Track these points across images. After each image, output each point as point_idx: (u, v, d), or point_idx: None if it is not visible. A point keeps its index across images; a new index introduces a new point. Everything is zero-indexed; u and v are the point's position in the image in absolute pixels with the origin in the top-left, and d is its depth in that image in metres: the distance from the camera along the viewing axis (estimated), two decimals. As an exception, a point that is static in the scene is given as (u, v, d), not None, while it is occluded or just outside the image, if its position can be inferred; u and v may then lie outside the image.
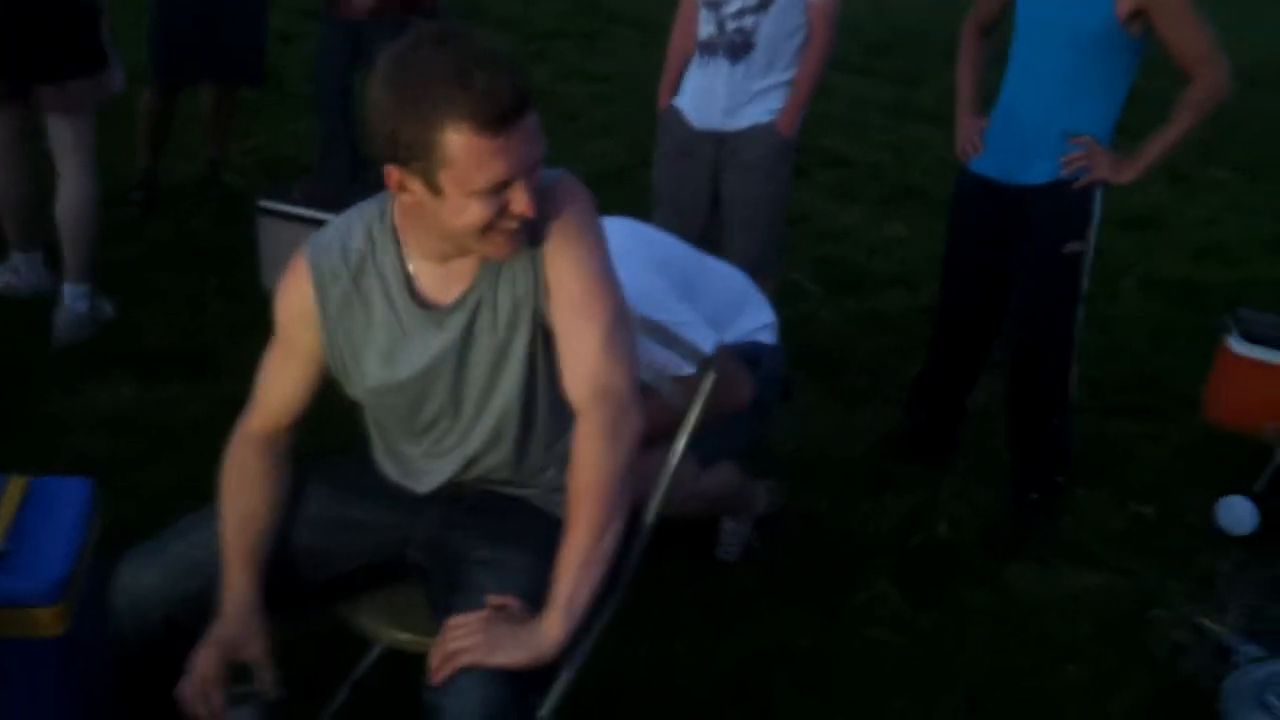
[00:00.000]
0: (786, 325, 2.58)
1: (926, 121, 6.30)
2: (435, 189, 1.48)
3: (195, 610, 1.61)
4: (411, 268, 1.62)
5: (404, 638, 1.71)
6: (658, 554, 1.84)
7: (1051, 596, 2.67)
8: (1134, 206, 4.88)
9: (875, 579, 2.65)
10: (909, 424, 3.20)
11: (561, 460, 1.71)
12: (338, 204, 3.57)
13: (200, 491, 1.77)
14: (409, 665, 1.79)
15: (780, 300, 3.02)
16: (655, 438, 1.73)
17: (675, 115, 3.29)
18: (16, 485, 1.92)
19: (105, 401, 3.05)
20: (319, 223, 3.44)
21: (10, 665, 1.74)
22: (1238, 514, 2.94)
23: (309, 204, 3.62)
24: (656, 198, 3.38)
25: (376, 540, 1.74)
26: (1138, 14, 2.56)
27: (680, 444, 1.82)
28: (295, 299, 1.65)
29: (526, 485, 1.75)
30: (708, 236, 3.27)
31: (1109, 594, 2.70)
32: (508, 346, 1.62)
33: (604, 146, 5.42)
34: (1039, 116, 2.72)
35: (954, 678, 2.39)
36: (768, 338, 2.50)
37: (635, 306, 1.76)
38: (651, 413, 1.66)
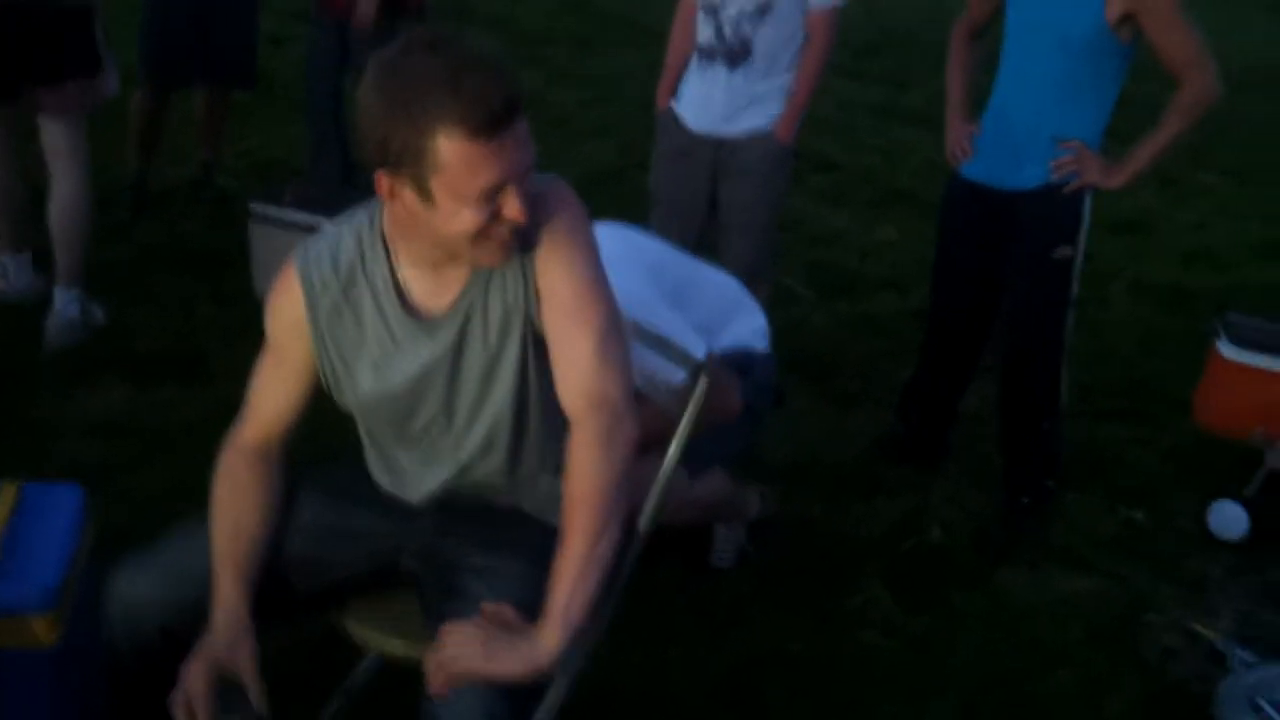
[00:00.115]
0: (778, 330, 2.58)
1: (916, 124, 6.31)
2: (427, 195, 1.48)
3: (190, 619, 1.60)
4: (402, 276, 1.62)
5: (397, 645, 1.71)
6: (651, 560, 1.84)
7: (1043, 601, 2.68)
8: (1123, 211, 4.90)
9: (867, 583, 2.66)
10: (900, 428, 3.20)
11: (555, 468, 1.71)
12: (329, 207, 3.59)
13: (193, 496, 1.76)
14: (402, 673, 1.79)
15: (772, 304, 3.03)
16: (649, 444, 1.74)
17: (673, 118, 3.29)
18: (8, 492, 1.91)
19: (97, 406, 3.04)
20: (310, 227, 3.48)
21: (4, 674, 1.74)
22: (1228, 518, 2.95)
23: (300, 207, 3.61)
24: (654, 199, 3.38)
25: (370, 548, 1.74)
26: (1127, 18, 2.57)
27: (674, 451, 1.82)
28: (286, 310, 1.65)
29: (520, 493, 1.74)
30: (706, 240, 3.27)
31: (1100, 598, 2.71)
32: (499, 354, 1.61)
33: (596, 149, 5.42)
34: (1029, 121, 2.73)
35: (946, 682, 2.40)
36: (760, 344, 2.50)
37: (626, 312, 1.76)
38: (645, 419, 1.65)
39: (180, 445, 2.84)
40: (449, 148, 1.43)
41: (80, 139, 3.25)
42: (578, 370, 1.57)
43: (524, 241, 1.56)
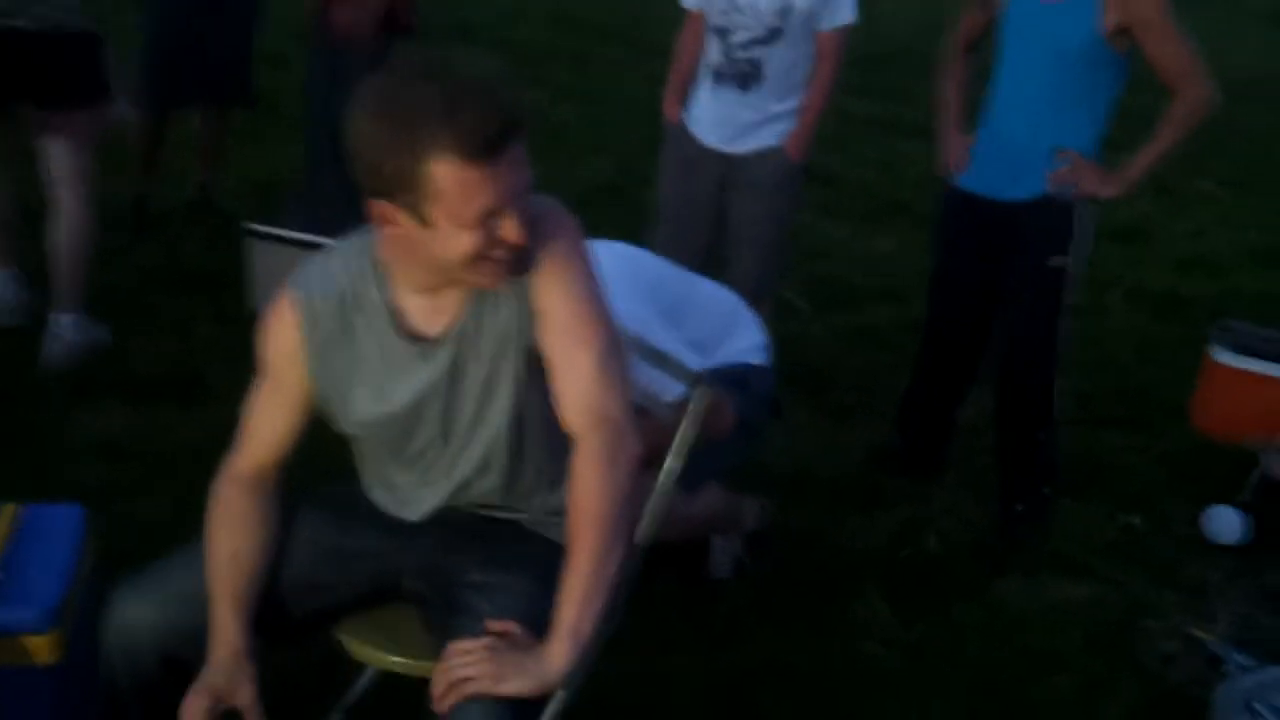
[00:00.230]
0: (776, 342, 2.59)
1: (913, 137, 6.32)
2: (424, 221, 1.48)
3: (188, 643, 1.60)
4: (398, 301, 1.62)
5: (396, 662, 1.71)
6: (648, 572, 1.84)
7: (1041, 608, 2.69)
8: (1120, 219, 4.91)
9: (866, 594, 2.66)
10: (898, 440, 3.21)
11: (553, 484, 1.72)
12: (327, 227, 3.60)
13: (193, 518, 1.77)
14: (401, 689, 1.79)
15: (770, 317, 3.04)
16: (652, 459, 1.75)
17: (684, 131, 3.31)
18: (8, 512, 1.93)
19: (97, 427, 3.05)
20: (308, 246, 3.50)
21: (3, 693, 1.75)
22: (1225, 523, 2.96)
23: (298, 228, 3.63)
24: (660, 212, 3.38)
25: (371, 569, 1.74)
26: (1122, 30, 2.59)
27: (672, 465, 1.83)
28: (282, 338, 1.65)
29: (519, 509, 1.75)
30: (713, 255, 3.28)
31: (1098, 605, 2.72)
32: (496, 376, 1.62)
33: (595, 166, 5.44)
34: (1025, 132, 2.75)
35: (945, 691, 2.40)
36: (758, 359, 2.51)
37: (623, 329, 1.77)
38: (647, 434, 1.67)
39: (180, 467, 2.84)
40: (445, 173, 1.44)
41: (85, 164, 3.27)
42: (579, 389, 1.58)
43: (521, 263, 1.56)
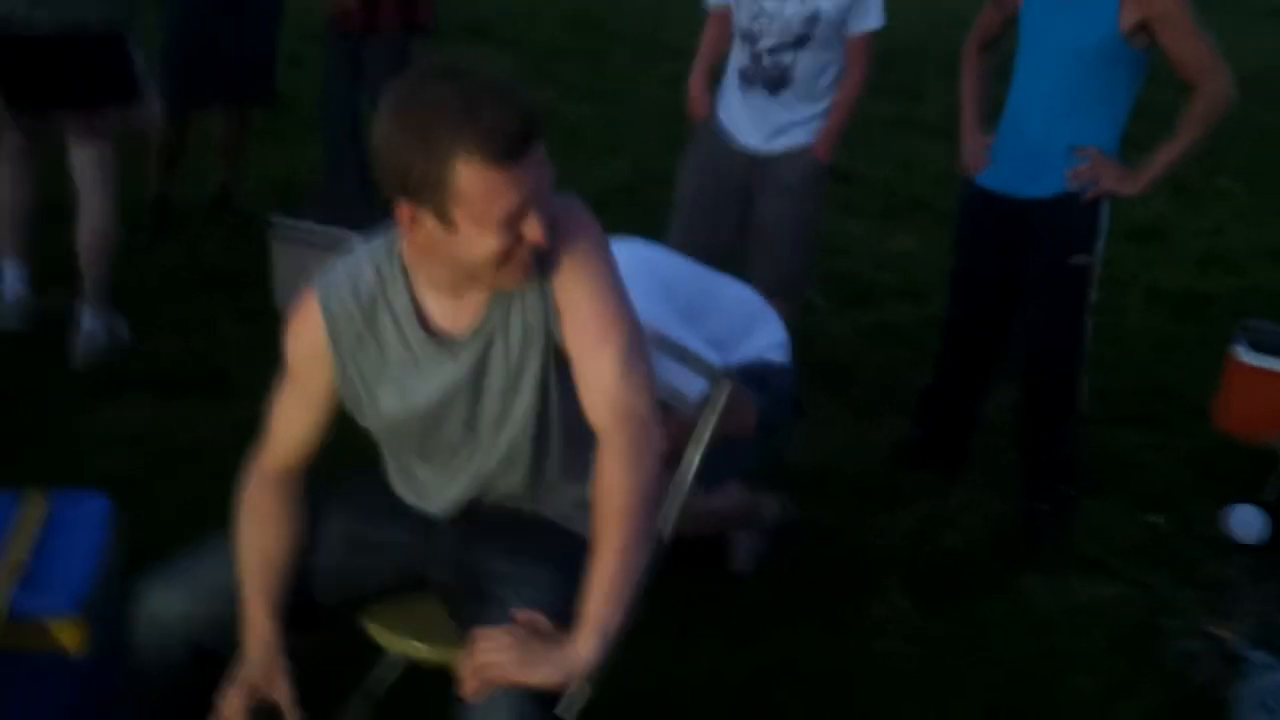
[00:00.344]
0: (796, 339, 2.59)
1: (929, 135, 6.33)
2: (448, 223, 1.49)
3: (218, 634, 1.62)
4: (423, 300, 1.63)
5: (420, 649, 1.72)
6: (669, 566, 1.85)
7: (1063, 607, 2.68)
8: (1138, 218, 4.90)
9: (887, 590, 2.66)
10: (918, 436, 3.21)
11: (576, 479, 1.73)
12: (348, 224, 3.63)
13: (216, 511, 1.78)
14: (422, 677, 1.80)
15: (794, 316, 3.05)
16: (676, 454, 1.75)
17: (713, 129, 3.31)
18: (37, 501, 1.95)
19: (121, 421, 3.07)
20: (330, 243, 3.52)
21: (30, 679, 1.77)
22: (1247, 522, 2.95)
23: (321, 224, 3.65)
24: (678, 207, 3.38)
25: (396, 560, 1.76)
26: (1141, 27, 2.59)
27: (694, 457, 1.84)
28: (306, 339, 1.66)
29: (542, 503, 1.76)
30: (733, 254, 3.28)
31: (1120, 604, 2.71)
32: (520, 372, 1.63)
33: (610, 166, 5.45)
34: (1044, 130, 2.74)
35: (966, 689, 2.40)
36: (778, 357, 2.51)
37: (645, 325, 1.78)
38: (671, 430, 1.67)
39: (203, 460, 2.86)
40: (468, 175, 1.45)
41: (109, 164, 3.30)
42: (603, 385, 1.58)
43: (543, 262, 1.57)
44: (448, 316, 1.63)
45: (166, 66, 4.17)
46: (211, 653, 1.63)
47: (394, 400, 1.66)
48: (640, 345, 1.62)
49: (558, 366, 1.63)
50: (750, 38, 3.16)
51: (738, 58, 3.23)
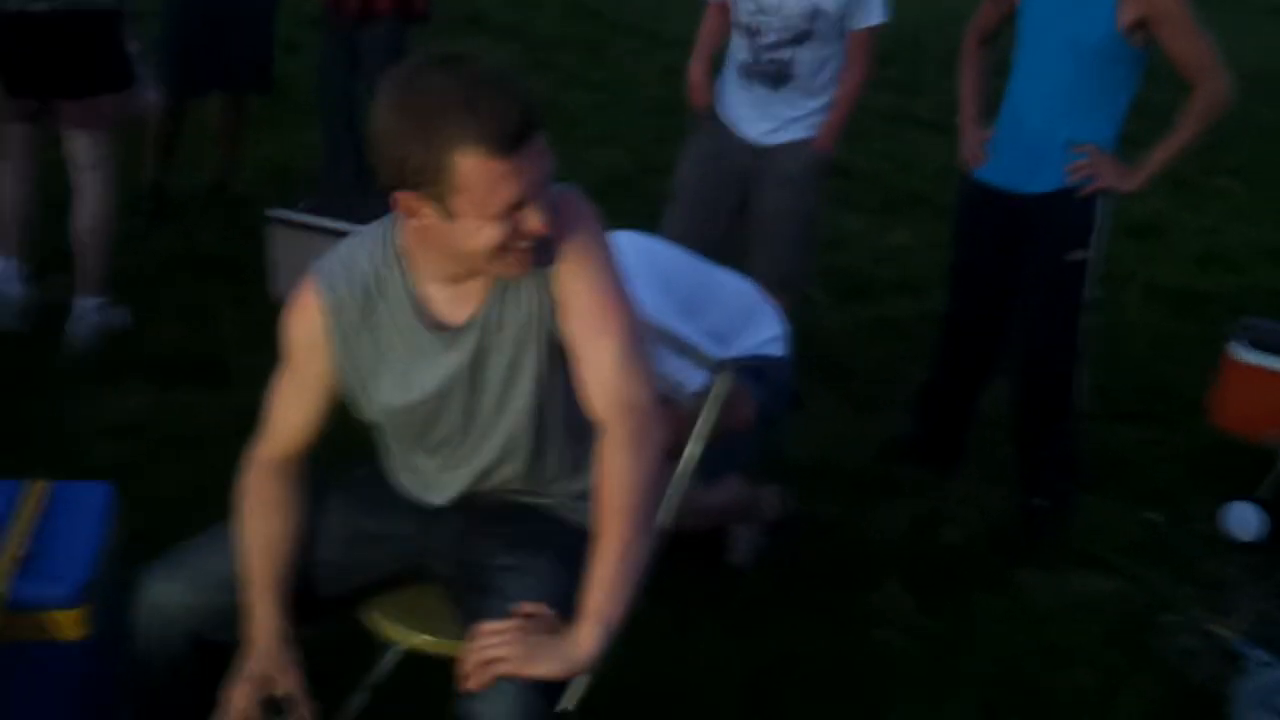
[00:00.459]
0: (794, 333, 2.59)
1: (927, 130, 6.33)
2: (448, 213, 1.48)
3: (219, 624, 1.62)
4: (421, 290, 1.62)
5: (424, 641, 1.72)
6: (669, 559, 1.85)
7: (1061, 602, 2.69)
8: (1136, 215, 4.90)
9: (886, 584, 2.67)
10: (915, 430, 3.21)
11: (576, 470, 1.73)
12: (346, 213, 3.62)
13: (214, 499, 1.78)
14: (425, 668, 1.80)
15: (793, 309, 3.04)
16: (677, 446, 1.75)
17: (715, 120, 3.31)
18: (38, 489, 1.94)
19: (119, 410, 3.06)
20: (329, 230, 3.51)
21: (32, 668, 1.76)
22: (1245, 519, 2.95)
23: (317, 213, 3.64)
24: (676, 197, 3.36)
25: (396, 551, 1.75)
26: (1140, 24, 2.59)
27: (693, 449, 1.84)
28: (305, 328, 1.65)
29: (542, 494, 1.76)
30: (732, 246, 3.27)
31: (1118, 599, 2.72)
32: (518, 363, 1.62)
33: (607, 155, 5.44)
34: (1043, 126, 2.74)
35: (964, 682, 2.40)
36: (776, 350, 2.50)
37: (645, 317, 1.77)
38: (670, 422, 1.67)
39: (200, 449, 2.86)
40: (468, 166, 1.44)
41: (106, 152, 3.28)
42: (604, 376, 1.58)
43: (543, 253, 1.57)
44: (446, 306, 1.63)
45: (165, 54, 4.15)
46: (213, 643, 1.63)
47: (392, 389, 1.65)
48: (641, 337, 1.62)
49: (556, 357, 1.63)
50: (751, 32, 3.15)
51: (738, 51, 3.22)
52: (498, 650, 1.50)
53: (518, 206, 1.48)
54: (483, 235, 1.49)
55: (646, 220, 3.02)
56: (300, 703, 1.59)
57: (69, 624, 1.76)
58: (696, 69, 3.34)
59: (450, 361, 1.62)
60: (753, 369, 2.37)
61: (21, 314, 3.34)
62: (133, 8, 3.24)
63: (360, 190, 4.23)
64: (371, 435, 1.79)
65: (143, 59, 3.29)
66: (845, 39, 3.17)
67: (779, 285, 2.92)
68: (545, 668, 1.50)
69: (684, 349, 2.08)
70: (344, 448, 1.78)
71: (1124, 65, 2.66)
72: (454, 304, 1.62)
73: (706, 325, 2.30)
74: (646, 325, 1.69)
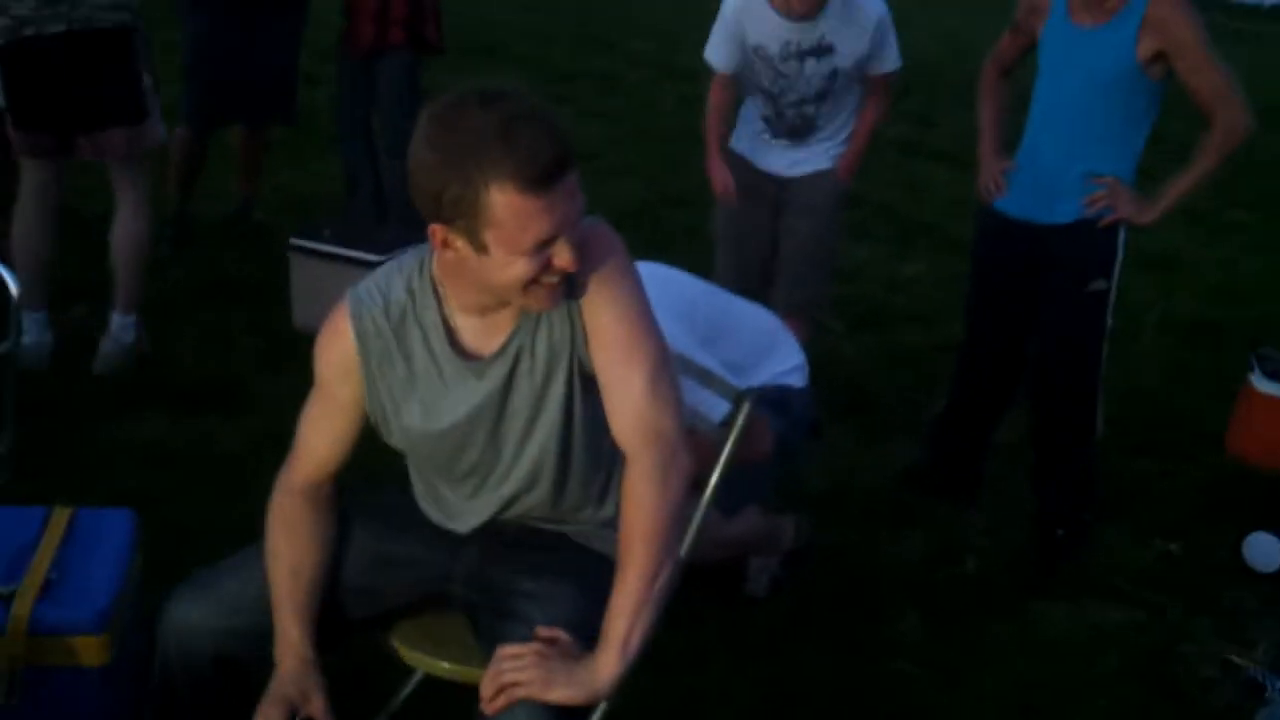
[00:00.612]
0: (809, 363, 2.60)
1: (940, 161, 6.35)
2: (480, 247, 1.50)
3: (244, 647, 1.63)
4: (452, 319, 1.64)
5: (447, 668, 1.73)
6: (687, 589, 1.85)
7: (1078, 632, 2.68)
8: (1152, 247, 4.90)
9: (902, 613, 2.66)
10: (931, 460, 3.21)
11: (600, 499, 1.75)
12: (368, 241, 3.66)
13: (235, 525, 1.80)
14: (445, 697, 1.81)
15: (809, 337, 3.06)
16: (701, 475, 1.76)
17: (736, 157, 3.37)
18: (61, 516, 1.96)
19: (139, 436, 3.08)
20: (348, 260, 3.54)
21: (54, 692, 1.78)
22: (1265, 550, 2.93)
23: (339, 242, 3.68)
24: (720, 237, 3.43)
25: (420, 575, 1.76)
26: (1158, 57, 2.60)
27: (715, 480, 1.85)
28: (336, 352, 1.67)
29: (565, 521, 1.77)
30: (770, 277, 3.33)
31: (1135, 630, 2.71)
32: (545, 393, 1.64)
33: (623, 186, 5.47)
34: (1062, 157, 2.75)
35: (980, 713, 2.40)
36: (796, 380, 2.51)
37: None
38: (695, 451, 1.68)
39: (220, 475, 2.88)
40: (502, 201, 1.46)
41: (136, 174, 3.33)
42: (631, 406, 1.60)
43: (571, 286, 1.59)
44: (476, 336, 1.65)
45: (190, 84, 4.21)
46: (237, 665, 1.64)
47: (419, 417, 1.67)
48: (667, 366, 1.64)
49: (583, 387, 1.64)
50: (772, 96, 3.22)
51: (759, 106, 3.28)
52: (517, 674, 1.51)
53: (548, 243, 1.50)
54: (513, 270, 1.51)
55: (662, 250, 3.04)
56: None
57: (91, 649, 1.78)
58: (715, 161, 3.32)
59: (479, 390, 1.64)
60: (772, 399, 2.38)
61: (47, 359, 3.36)
62: (144, 38, 3.25)
63: (379, 219, 4.27)
64: (398, 460, 1.80)
65: (154, 92, 3.31)
66: (863, 81, 3.23)
67: (798, 311, 2.95)
68: (563, 693, 1.51)
69: (706, 379, 2.09)
70: (372, 473, 1.80)
71: (1142, 97, 2.67)
72: (484, 334, 1.64)
73: (726, 355, 2.32)
74: (674, 356, 1.71)
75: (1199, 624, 2.74)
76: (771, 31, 3.09)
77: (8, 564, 1.83)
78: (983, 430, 3.13)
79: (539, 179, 1.45)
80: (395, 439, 1.72)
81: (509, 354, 1.63)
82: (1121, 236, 2.76)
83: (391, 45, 4.15)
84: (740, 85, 3.30)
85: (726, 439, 1.89)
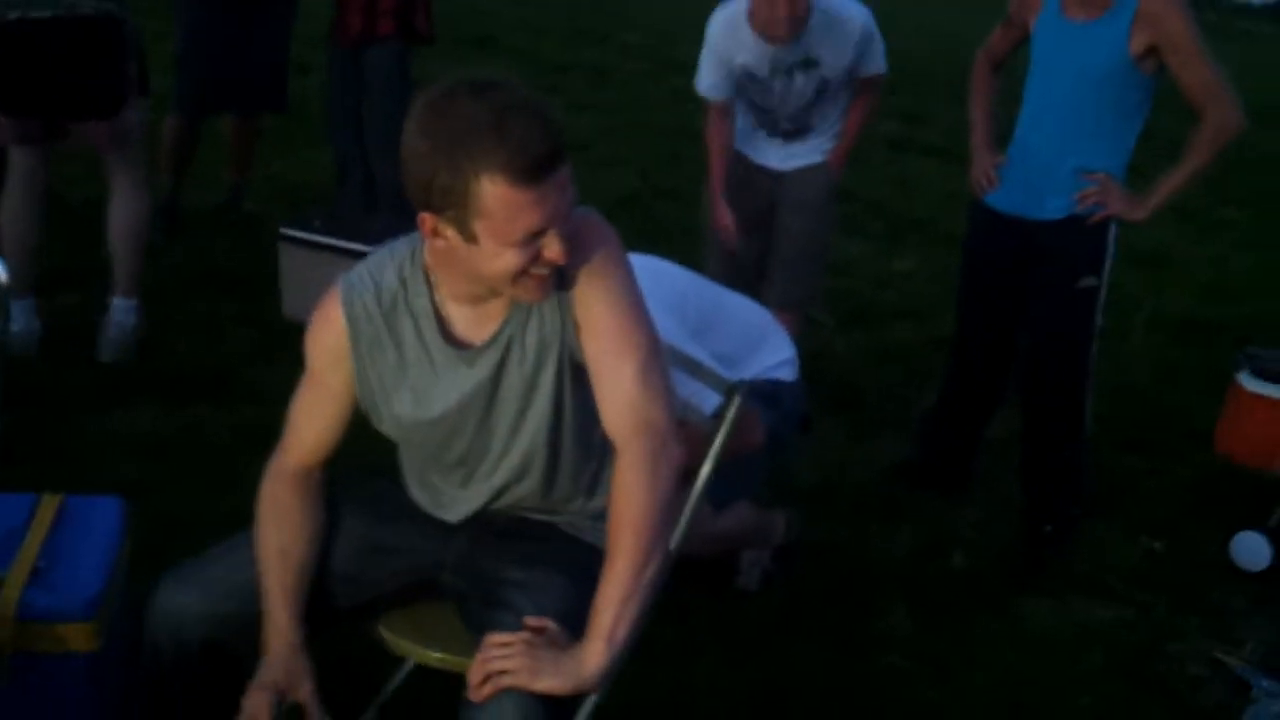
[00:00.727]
0: (800, 357, 2.60)
1: (931, 157, 6.36)
2: (469, 237, 1.50)
3: (233, 632, 1.63)
4: (443, 308, 1.64)
5: (436, 657, 1.73)
6: (677, 582, 1.85)
7: (1065, 629, 2.69)
8: (1143, 244, 4.92)
9: (891, 608, 2.67)
10: (922, 455, 3.22)
11: (590, 490, 1.75)
12: (358, 231, 3.64)
13: (222, 515, 1.79)
14: (434, 687, 1.81)
15: (800, 330, 3.06)
16: (689, 469, 1.76)
17: (735, 154, 3.38)
18: (50, 503, 1.95)
19: (129, 426, 3.07)
20: (340, 250, 3.53)
21: (42, 679, 1.77)
22: (1252, 549, 2.95)
23: (329, 232, 3.66)
24: (714, 233, 3.42)
25: (409, 563, 1.76)
26: (1150, 52, 2.61)
27: (706, 472, 1.84)
28: (328, 338, 1.67)
29: (555, 512, 1.77)
30: (760, 269, 3.34)
31: (1122, 627, 2.72)
32: (535, 383, 1.64)
33: (615, 177, 5.47)
34: (1053, 153, 2.76)
35: (967, 708, 2.41)
36: (787, 374, 2.52)
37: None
38: (686, 443, 1.68)
39: (210, 465, 2.87)
40: (492, 192, 1.46)
41: (127, 159, 3.31)
42: (622, 397, 1.59)
43: (562, 277, 1.59)
44: (467, 325, 1.64)
45: (181, 72, 4.19)
46: (226, 651, 1.64)
47: (410, 405, 1.67)
48: (658, 358, 1.64)
49: (574, 378, 1.64)
50: (764, 109, 3.25)
51: (753, 113, 3.30)
52: (504, 662, 1.51)
53: (538, 234, 1.50)
54: (502, 261, 1.51)
55: (654, 242, 3.04)
56: (314, 711, 1.60)
57: (80, 636, 1.77)
58: (719, 203, 3.31)
59: (469, 379, 1.64)
60: (763, 392, 2.38)
61: (34, 345, 3.34)
62: (133, 28, 3.22)
63: (369, 209, 4.26)
64: (391, 452, 1.80)
65: (134, 77, 3.26)
66: (853, 84, 3.26)
67: (791, 305, 2.96)
68: (550, 682, 1.51)
69: (697, 371, 2.09)
70: (363, 460, 1.80)
71: (1135, 92, 2.67)
72: (475, 322, 1.64)
73: (717, 348, 2.32)
74: (664, 347, 1.71)
75: (1187, 622, 2.75)
76: (757, 54, 3.11)
77: (-4, 551, 1.82)
78: (974, 425, 3.14)
79: (530, 171, 1.45)
80: (386, 426, 1.72)
81: (500, 343, 1.63)
82: (1112, 233, 2.76)
83: (381, 35, 4.14)
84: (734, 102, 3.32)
85: (717, 431, 1.89)
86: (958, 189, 3.00)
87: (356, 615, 1.77)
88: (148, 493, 2.67)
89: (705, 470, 1.85)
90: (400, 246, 1.68)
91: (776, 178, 3.34)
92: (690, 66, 3.38)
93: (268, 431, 1.77)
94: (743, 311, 2.57)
